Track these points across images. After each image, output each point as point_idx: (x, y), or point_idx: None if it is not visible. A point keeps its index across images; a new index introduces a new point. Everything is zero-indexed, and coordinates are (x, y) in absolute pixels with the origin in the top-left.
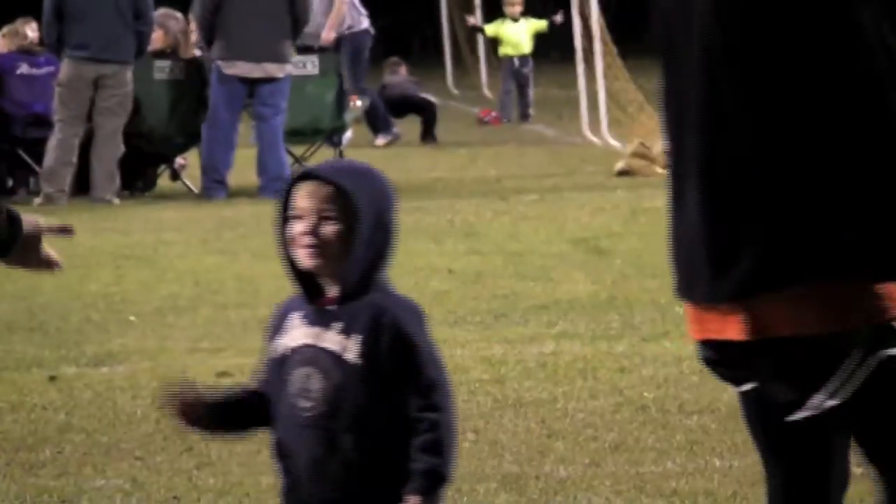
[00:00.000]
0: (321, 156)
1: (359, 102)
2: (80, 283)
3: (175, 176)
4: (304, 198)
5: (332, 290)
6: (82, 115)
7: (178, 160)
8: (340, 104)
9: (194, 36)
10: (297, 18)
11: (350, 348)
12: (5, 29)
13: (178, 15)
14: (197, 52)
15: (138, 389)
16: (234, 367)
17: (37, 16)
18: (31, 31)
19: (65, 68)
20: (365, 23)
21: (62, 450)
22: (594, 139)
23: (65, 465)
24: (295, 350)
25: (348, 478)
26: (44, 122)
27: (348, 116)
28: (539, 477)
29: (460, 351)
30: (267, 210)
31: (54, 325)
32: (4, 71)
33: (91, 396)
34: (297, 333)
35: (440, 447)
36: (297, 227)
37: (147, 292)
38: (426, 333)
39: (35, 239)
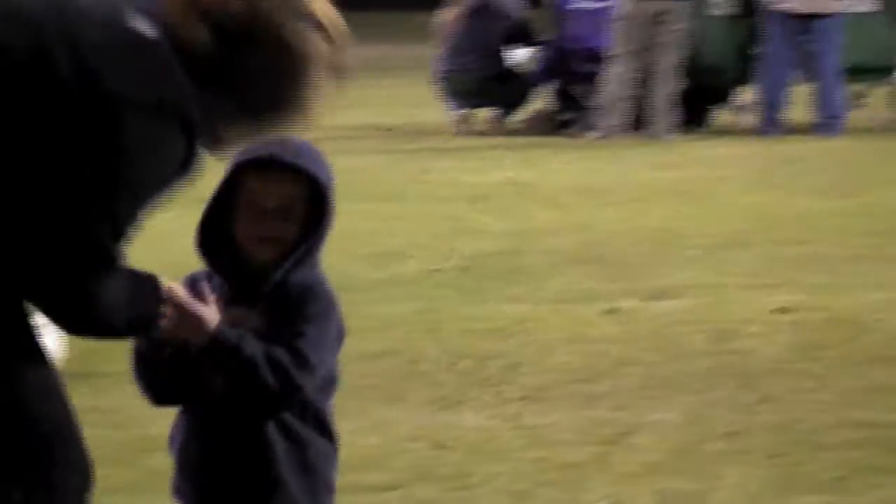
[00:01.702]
0: (878, 95)
1: None
2: (637, 217)
3: (733, 115)
4: (274, 189)
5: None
6: (640, 51)
7: (738, 100)
8: None
9: None
10: None
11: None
12: None
13: None
14: None
15: (697, 324)
16: (791, 303)
17: None
18: None
19: (623, 3)
20: None
21: (620, 382)
22: None
23: (622, 397)
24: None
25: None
26: (600, 58)
27: None
28: None
29: None
30: (825, 147)
31: (613, 258)
32: (562, 6)
33: (650, 330)
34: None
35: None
36: (261, 225)
37: (703, 227)
38: (321, 314)
39: None
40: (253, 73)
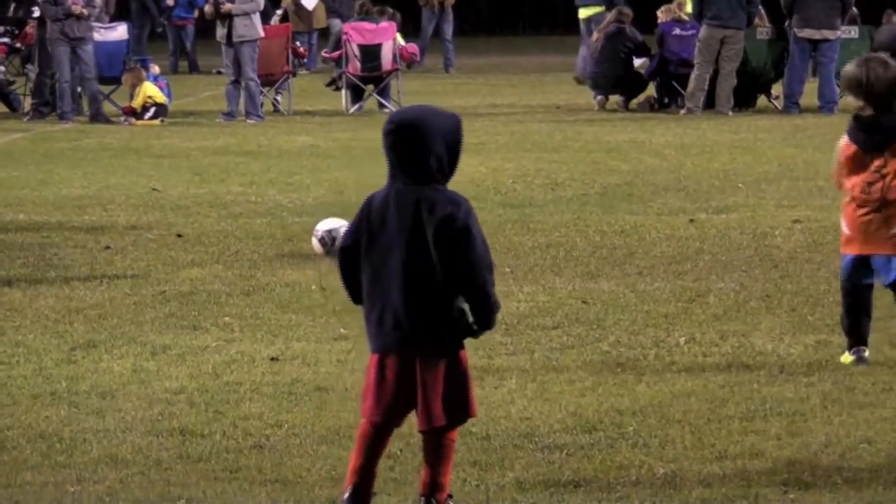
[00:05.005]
0: None
1: None
2: (708, 163)
3: (769, 100)
4: None
5: None
6: (712, 60)
7: (773, 91)
8: None
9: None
10: (845, 3)
11: None
12: (663, 7)
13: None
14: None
15: (741, 229)
16: (802, 216)
17: None
18: (679, 7)
19: (703, 30)
20: None
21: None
22: None
23: None
24: None
25: None
26: (689, 64)
27: None
28: None
29: None
30: (825, 121)
31: (693, 187)
32: (665, 33)
33: (716, 232)
34: None
35: None
36: None
37: (748, 169)
38: None
39: None
40: None
